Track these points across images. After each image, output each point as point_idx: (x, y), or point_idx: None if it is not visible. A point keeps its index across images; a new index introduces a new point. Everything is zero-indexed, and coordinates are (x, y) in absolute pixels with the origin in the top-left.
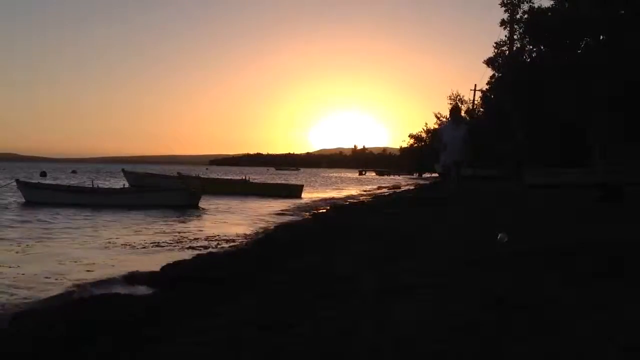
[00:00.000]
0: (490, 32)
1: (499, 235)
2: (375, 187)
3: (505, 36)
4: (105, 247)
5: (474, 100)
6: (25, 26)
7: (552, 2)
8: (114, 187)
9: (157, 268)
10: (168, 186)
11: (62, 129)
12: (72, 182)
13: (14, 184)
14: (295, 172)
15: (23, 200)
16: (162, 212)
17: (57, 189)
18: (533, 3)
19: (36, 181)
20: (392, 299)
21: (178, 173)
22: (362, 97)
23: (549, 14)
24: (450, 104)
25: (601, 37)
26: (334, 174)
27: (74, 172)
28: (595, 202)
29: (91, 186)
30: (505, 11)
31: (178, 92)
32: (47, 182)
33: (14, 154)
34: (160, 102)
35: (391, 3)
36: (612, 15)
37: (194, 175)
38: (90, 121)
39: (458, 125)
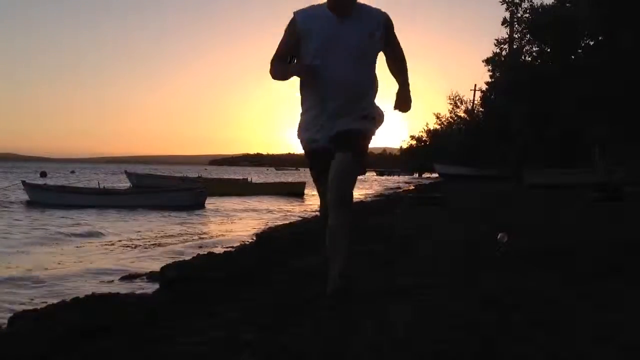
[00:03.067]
0: (493, 31)
1: (499, 235)
2: (375, 187)
3: (507, 33)
4: (107, 247)
5: (473, 100)
6: (26, 26)
7: (553, 0)
8: (118, 187)
9: (157, 268)
10: (174, 187)
11: (62, 129)
12: (73, 182)
13: (20, 184)
14: (296, 172)
15: (28, 200)
16: (166, 212)
17: (63, 190)
18: (533, 2)
19: (42, 182)
20: (392, 299)
21: (183, 177)
22: None
23: (552, 13)
24: (450, 104)
25: (600, 38)
26: None
27: (72, 172)
28: (595, 202)
29: (97, 187)
30: (506, 9)
31: (178, 92)
32: (53, 183)
33: (14, 154)
34: (160, 102)
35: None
36: (608, 14)
37: (197, 175)
38: (90, 121)
39: (356, 16)
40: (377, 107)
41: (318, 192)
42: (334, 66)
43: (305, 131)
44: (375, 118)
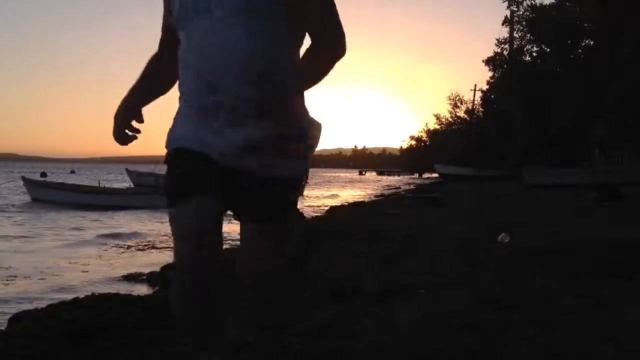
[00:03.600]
0: (493, 31)
1: (500, 235)
2: (375, 187)
3: (507, 32)
4: (106, 247)
5: (473, 100)
6: (26, 26)
7: (553, 0)
8: (118, 187)
9: (157, 268)
10: None
11: (62, 129)
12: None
13: (20, 181)
14: None
15: (29, 198)
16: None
17: (63, 188)
18: (534, 0)
19: (43, 179)
20: (392, 299)
21: None
22: (361, 97)
23: (553, 13)
24: (450, 104)
25: (600, 38)
26: (334, 174)
27: (72, 172)
28: (595, 202)
29: (98, 186)
30: (507, 7)
31: (177, 91)
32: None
33: (14, 154)
34: (159, 101)
35: (387, 3)
36: (611, 16)
37: None
38: (90, 121)
39: None
40: (310, 118)
41: (177, 234)
42: (209, 33)
43: (179, 127)
44: (308, 137)
